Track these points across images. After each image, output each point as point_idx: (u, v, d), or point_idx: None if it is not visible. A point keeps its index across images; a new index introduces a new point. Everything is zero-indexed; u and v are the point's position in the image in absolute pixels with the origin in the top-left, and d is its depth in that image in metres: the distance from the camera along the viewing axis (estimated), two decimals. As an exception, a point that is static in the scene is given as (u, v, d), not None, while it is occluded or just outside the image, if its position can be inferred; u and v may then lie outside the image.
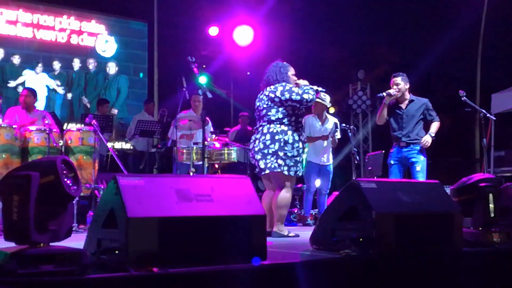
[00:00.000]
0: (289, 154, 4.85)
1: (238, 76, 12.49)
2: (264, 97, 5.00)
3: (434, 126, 5.96)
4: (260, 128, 5.00)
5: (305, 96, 4.87)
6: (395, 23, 12.46)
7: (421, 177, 5.76)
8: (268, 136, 4.88)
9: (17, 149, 6.08)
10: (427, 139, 5.85)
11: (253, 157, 5.05)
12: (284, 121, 4.89)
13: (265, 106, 4.97)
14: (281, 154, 4.83)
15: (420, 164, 5.85)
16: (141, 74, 11.24)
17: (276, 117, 4.90)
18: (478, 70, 13.90)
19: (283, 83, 4.97)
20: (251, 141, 5.11)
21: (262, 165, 4.93)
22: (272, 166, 4.86)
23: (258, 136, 4.99)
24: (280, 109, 4.90)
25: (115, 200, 2.50)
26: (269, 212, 4.85)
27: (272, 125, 4.90)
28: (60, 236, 2.38)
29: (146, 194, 2.53)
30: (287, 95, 4.87)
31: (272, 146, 4.85)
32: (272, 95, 4.92)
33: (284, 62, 5.20)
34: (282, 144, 4.84)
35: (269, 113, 4.93)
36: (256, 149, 4.97)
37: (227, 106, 12.86)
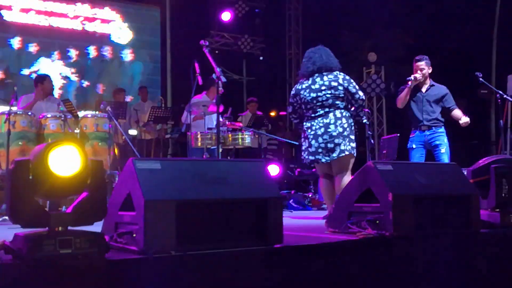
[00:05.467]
0: (353, 137, 5.00)
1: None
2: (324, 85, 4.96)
3: (460, 111, 5.96)
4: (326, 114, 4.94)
5: None
6: (409, 5, 12.32)
7: (446, 159, 5.73)
8: (343, 120, 4.91)
9: (33, 136, 6.11)
10: (466, 120, 5.85)
11: (323, 145, 4.92)
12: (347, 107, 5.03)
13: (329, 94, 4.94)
14: (352, 137, 4.97)
15: (445, 146, 5.82)
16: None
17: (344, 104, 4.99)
18: (494, 52, 13.73)
19: (337, 72, 5.03)
20: (309, 131, 4.98)
21: (337, 149, 4.87)
22: (347, 148, 4.92)
23: (324, 121, 4.92)
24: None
25: (132, 183, 2.51)
26: (332, 198, 4.96)
27: (339, 111, 4.94)
28: (79, 221, 2.38)
29: (162, 178, 2.54)
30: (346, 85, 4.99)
31: (347, 129, 4.93)
32: (335, 84, 4.93)
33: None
34: (352, 127, 4.98)
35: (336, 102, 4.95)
36: (334, 133, 4.86)
37: (240, 91, 12.84)
